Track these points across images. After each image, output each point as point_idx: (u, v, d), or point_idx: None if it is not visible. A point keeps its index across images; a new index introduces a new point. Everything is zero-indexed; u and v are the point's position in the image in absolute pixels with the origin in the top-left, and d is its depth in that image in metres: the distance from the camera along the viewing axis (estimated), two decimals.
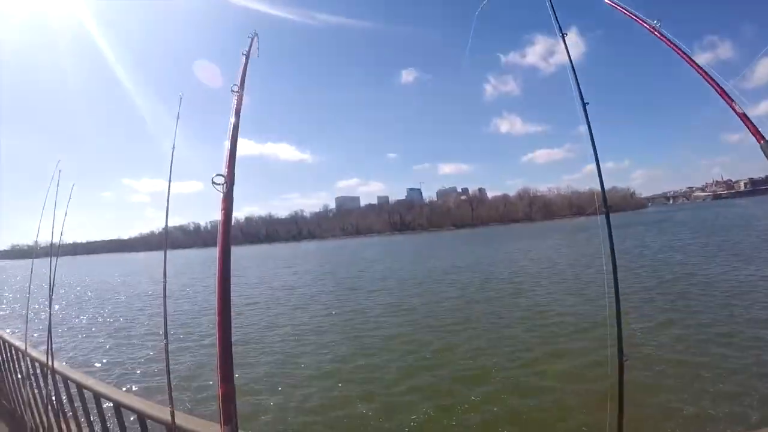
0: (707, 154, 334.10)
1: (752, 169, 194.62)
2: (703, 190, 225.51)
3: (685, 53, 1.76)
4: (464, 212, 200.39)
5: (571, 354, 10.91)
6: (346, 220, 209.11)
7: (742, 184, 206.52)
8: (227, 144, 1.50)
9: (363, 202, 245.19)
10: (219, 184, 1.36)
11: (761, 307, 13.10)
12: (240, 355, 12.81)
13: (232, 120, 1.56)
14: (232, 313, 1.33)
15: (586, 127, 1.91)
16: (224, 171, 1.39)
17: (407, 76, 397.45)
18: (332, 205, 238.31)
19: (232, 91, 1.64)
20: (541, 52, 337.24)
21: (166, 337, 2.65)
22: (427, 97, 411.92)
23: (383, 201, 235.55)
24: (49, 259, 3.89)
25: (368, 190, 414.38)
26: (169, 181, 2.81)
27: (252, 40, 2.35)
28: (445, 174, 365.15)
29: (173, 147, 2.82)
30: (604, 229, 1.81)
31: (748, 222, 47.33)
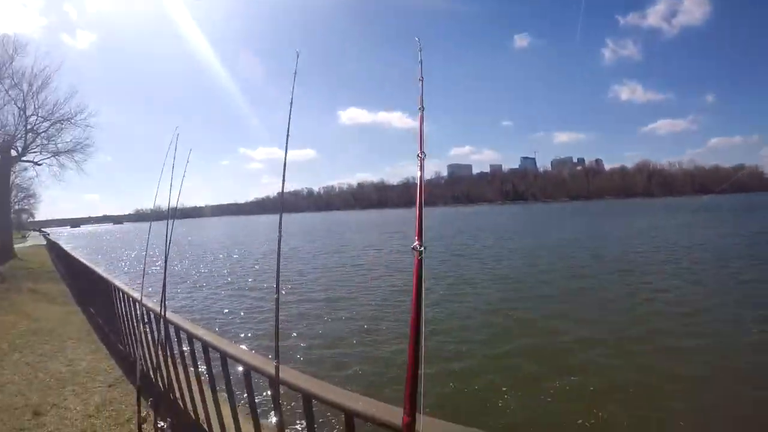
0: None
1: None
2: None
3: None
4: (579, 183, 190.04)
5: None
6: (457, 188, 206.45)
7: None
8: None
9: (475, 170, 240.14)
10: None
11: None
12: None
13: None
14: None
15: None
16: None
17: (520, 41, 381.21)
18: (444, 173, 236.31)
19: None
20: (663, 12, 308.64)
21: (277, 291, 2.61)
22: (542, 64, 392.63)
23: (496, 169, 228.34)
24: (167, 221, 4.05)
25: (481, 159, 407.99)
26: (287, 135, 2.78)
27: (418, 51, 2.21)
28: (560, 143, 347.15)
29: (291, 103, 2.83)
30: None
31: None
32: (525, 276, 19.08)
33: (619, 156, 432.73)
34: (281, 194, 2.88)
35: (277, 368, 2.63)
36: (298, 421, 5.94)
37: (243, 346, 3.60)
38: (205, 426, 4.10)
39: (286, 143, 2.73)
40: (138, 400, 4.00)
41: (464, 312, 13.04)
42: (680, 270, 18.25)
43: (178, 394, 4.46)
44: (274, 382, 2.66)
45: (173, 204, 4.13)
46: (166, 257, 3.89)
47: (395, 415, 1.52)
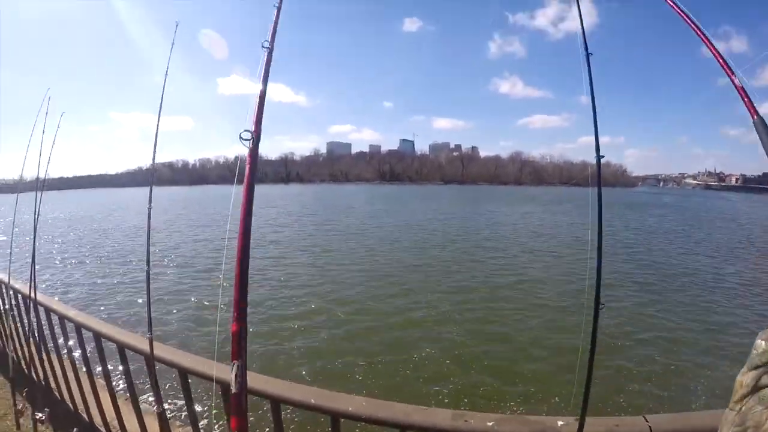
0: (704, 144, 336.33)
1: (747, 167, 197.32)
2: (694, 178, 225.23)
3: (695, 24, 1.75)
4: (455, 168, 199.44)
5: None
6: (335, 166, 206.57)
7: (733, 179, 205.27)
8: (255, 100, 1.45)
9: (354, 149, 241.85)
10: (246, 140, 1.39)
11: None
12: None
13: (261, 78, 1.52)
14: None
15: (587, 79, 1.86)
16: (251, 127, 1.40)
17: (410, 24, 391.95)
18: (323, 150, 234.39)
19: (263, 47, 1.53)
20: (552, 17, 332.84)
21: (148, 264, 2.62)
22: (429, 49, 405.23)
23: (375, 150, 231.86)
24: (35, 193, 3.73)
25: (361, 138, 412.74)
26: (160, 109, 2.68)
27: None
28: (439, 128, 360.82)
29: (166, 74, 2.67)
30: (595, 189, 1.85)
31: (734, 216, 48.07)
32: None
33: (494, 145, 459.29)
34: (152, 166, 2.82)
35: (150, 342, 2.62)
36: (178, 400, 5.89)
37: (116, 325, 3.46)
38: (84, 415, 3.98)
39: (159, 113, 2.67)
40: (12, 393, 3.79)
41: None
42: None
43: (53, 384, 4.22)
44: (149, 359, 2.65)
45: (43, 173, 3.73)
46: (34, 234, 3.64)
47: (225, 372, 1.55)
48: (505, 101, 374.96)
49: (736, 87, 1.54)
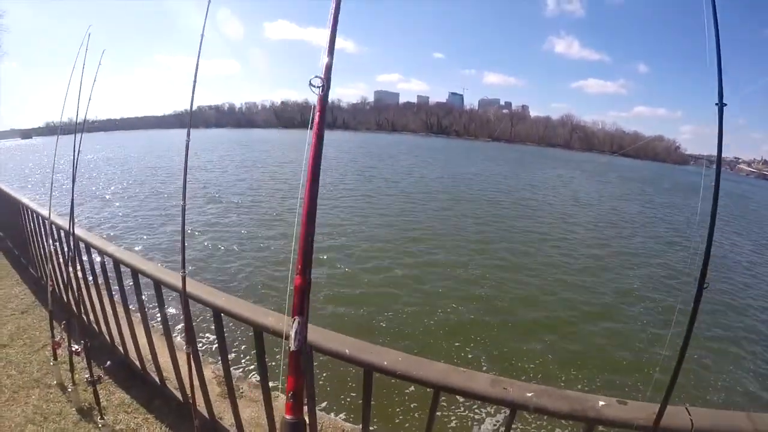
0: (763, 128, 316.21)
1: None
2: (749, 164, 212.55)
3: None
4: (504, 126, 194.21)
5: None
6: (382, 115, 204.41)
7: None
8: (325, 46, 1.39)
9: (402, 99, 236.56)
10: (317, 87, 1.33)
11: None
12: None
13: (331, 23, 1.40)
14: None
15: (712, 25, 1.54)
16: (323, 74, 1.34)
17: None
18: (370, 98, 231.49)
19: None
20: None
21: (184, 198, 2.56)
22: (484, 1, 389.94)
23: (423, 101, 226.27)
24: (74, 135, 3.64)
25: (409, 88, 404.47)
26: (200, 46, 2.50)
27: None
28: (490, 84, 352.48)
29: (206, 13, 2.44)
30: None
31: None
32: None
33: (545, 106, 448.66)
34: (191, 107, 2.69)
35: (183, 279, 2.63)
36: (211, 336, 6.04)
37: (153, 262, 3.47)
38: (120, 349, 4.07)
39: (198, 54, 2.55)
40: (51, 324, 3.88)
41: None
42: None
43: (92, 317, 4.37)
44: (182, 295, 2.67)
45: (83, 115, 3.56)
46: (74, 171, 3.59)
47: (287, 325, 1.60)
48: (560, 62, 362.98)
49: None
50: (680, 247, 16.00)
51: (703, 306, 1.46)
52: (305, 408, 1.67)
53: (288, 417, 1.31)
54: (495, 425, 5.55)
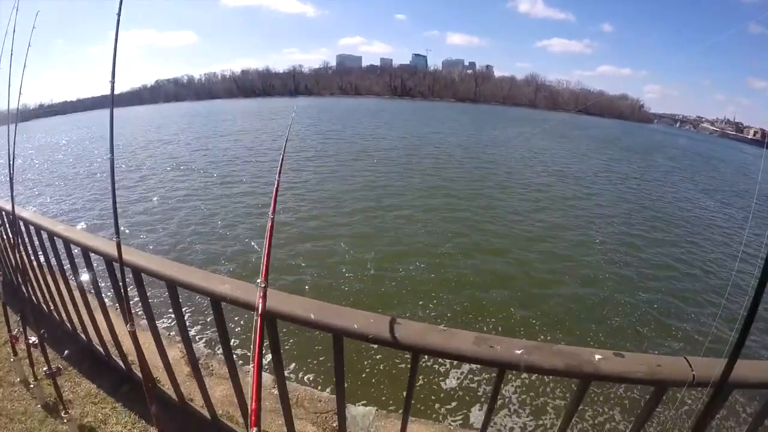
0: (727, 90, 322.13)
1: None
2: (712, 124, 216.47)
3: None
4: (468, 87, 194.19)
5: None
6: (345, 79, 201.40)
7: (752, 132, 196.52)
8: None
9: (365, 63, 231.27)
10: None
11: None
12: None
13: None
14: None
15: None
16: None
17: None
18: (332, 63, 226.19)
19: None
20: None
21: (111, 152, 2.34)
22: None
23: (386, 64, 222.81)
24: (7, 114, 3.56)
25: (371, 51, 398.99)
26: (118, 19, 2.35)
27: None
28: (453, 44, 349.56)
29: None
30: None
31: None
32: None
33: (510, 66, 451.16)
34: (111, 91, 2.40)
35: (118, 245, 2.38)
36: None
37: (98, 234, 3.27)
38: (82, 335, 3.85)
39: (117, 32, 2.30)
40: (6, 317, 3.65)
41: None
42: None
43: (51, 305, 4.09)
44: (116, 261, 2.43)
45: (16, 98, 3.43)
46: (11, 150, 3.36)
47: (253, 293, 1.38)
48: (524, 21, 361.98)
49: None
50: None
51: None
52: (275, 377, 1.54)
53: None
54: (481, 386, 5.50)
